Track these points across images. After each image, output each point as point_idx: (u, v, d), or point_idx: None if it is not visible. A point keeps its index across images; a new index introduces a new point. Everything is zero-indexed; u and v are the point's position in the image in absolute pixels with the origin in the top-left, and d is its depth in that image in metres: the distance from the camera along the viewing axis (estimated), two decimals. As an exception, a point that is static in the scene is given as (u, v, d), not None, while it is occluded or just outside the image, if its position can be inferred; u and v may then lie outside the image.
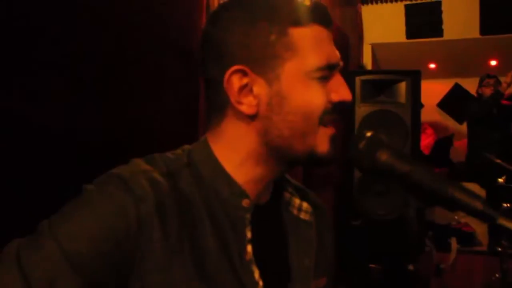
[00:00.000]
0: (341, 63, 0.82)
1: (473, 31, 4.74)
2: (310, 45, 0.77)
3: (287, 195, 0.90)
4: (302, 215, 0.90)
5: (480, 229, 4.69)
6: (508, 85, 4.42)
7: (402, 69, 3.25)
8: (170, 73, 1.74)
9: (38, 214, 0.74)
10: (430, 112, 6.05)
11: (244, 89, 0.77)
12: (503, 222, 0.58)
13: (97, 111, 1.38)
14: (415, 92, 3.10)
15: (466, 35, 4.82)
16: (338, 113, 0.80)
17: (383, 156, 0.71)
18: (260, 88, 0.77)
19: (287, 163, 0.83)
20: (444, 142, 5.73)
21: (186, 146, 0.85)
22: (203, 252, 0.74)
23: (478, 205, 0.60)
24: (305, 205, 0.90)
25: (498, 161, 3.17)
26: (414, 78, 3.13)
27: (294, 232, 0.88)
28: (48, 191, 1.15)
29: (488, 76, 4.68)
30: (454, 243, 3.82)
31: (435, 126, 5.95)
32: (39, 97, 1.18)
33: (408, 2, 4.89)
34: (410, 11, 4.87)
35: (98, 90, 1.39)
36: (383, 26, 5.03)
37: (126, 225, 0.69)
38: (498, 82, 4.58)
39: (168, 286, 0.70)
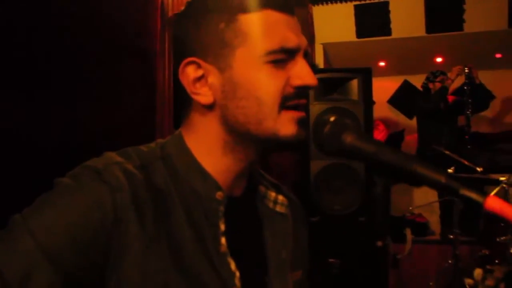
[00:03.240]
0: (304, 47, 0.80)
1: (419, 29, 4.92)
2: (260, 29, 0.76)
3: (262, 188, 0.90)
4: (278, 208, 0.89)
5: (433, 219, 4.87)
6: (452, 80, 4.63)
7: (353, 67, 3.33)
8: (126, 73, 1.73)
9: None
10: (381, 108, 6.22)
11: (200, 81, 0.78)
12: (465, 192, 0.61)
13: (52, 112, 1.36)
14: (366, 89, 3.19)
15: (413, 34, 5.00)
16: (303, 98, 0.79)
17: (348, 138, 0.72)
18: (214, 77, 0.78)
19: (254, 150, 0.82)
20: (395, 137, 5.90)
21: (160, 140, 0.85)
22: (180, 244, 0.74)
23: (442, 178, 0.63)
24: (280, 197, 0.90)
25: (447, 152, 3.29)
26: (365, 75, 3.22)
27: (270, 224, 0.88)
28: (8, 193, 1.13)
29: (442, 72, 4.85)
30: (409, 234, 3.93)
31: (386, 122, 6.11)
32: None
33: (357, 3, 5.02)
34: (359, 11, 5.00)
35: (53, 93, 1.37)
36: (333, 26, 5.13)
37: (102, 215, 0.68)
38: (446, 78, 4.78)
39: (144, 278, 0.70)
